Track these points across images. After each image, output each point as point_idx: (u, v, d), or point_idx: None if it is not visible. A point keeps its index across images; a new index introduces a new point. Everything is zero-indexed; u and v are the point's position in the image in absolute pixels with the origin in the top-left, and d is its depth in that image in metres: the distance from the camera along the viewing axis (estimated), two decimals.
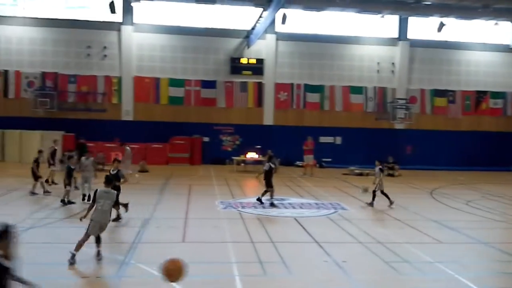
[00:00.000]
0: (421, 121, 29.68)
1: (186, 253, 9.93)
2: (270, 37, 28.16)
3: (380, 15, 26.80)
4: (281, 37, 28.46)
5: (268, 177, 15.18)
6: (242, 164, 25.70)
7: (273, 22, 25.96)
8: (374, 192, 15.50)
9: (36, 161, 15.90)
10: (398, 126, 29.60)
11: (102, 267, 8.89)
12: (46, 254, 9.72)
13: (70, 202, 14.33)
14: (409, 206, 15.92)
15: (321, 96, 29.04)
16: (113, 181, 10.23)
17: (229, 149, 28.14)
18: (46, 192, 15.85)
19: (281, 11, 23.05)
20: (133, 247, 10.08)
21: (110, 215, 9.55)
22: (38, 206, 14.18)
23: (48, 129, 25.82)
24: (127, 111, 27.60)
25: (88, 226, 9.18)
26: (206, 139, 28.08)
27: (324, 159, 27.89)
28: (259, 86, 28.57)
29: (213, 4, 26.18)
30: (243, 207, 15.07)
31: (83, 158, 16.28)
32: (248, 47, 28.13)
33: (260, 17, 24.70)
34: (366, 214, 14.59)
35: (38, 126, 25.90)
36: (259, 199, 15.27)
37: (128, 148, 21.63)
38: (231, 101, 28.41)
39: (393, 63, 29.59)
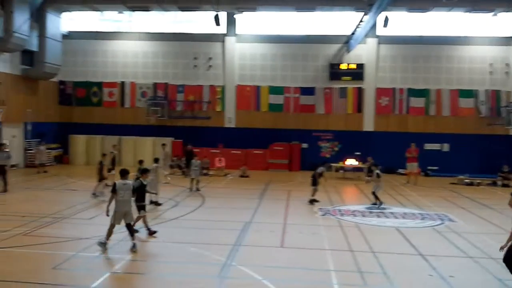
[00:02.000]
0: None
1: (285, 258, 10.13)
2: (371, 41, 27.53)
3: (493, 13, 24.85)
4: (383, 40, 27.68)
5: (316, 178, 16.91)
6: (341, 171, 25.34)
7: (374, 25, 25.35)
8: (373, 193, 16.37)
9: (101, 163, 17.18)
10: None
11: (204, 267, 9.36)
12: (157, 252, 10.49)
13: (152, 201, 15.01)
14: None
15: (426, 100, 27.64)
16: (128, 172, 10.69)
17: (328, 155, 27.90)
18: (94, 194, 16.64)
19: (383, 14, 22.44)
20: (234, 249, 10.47)
21: (131, 204, 10.43)
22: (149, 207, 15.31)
23: (158, 136, 27.91)
24: (230, 118, 28.73)
25: (113, 217, 10.12)
26: (304, 145, 28.18)
27: (429, 167, 26.46)
28: (359, 92, 28.03)
29: (313, 11, 26.29)
30: (342, 214, 14.91)
31: (193, 160, 18.44)
32: (348, 52, 27.78)
33: (361, 21, 24.25)
34: (477, 227, 13.58)
35: (150, 133, 28.12)
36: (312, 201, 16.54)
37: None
38: (330, 107, 28.22)
39: (507, 64, 27.21)
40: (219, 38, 28.46)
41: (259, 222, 13.40)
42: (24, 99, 25.90)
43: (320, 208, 15.75)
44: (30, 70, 25.99)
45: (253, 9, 26.07)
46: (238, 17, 28.02)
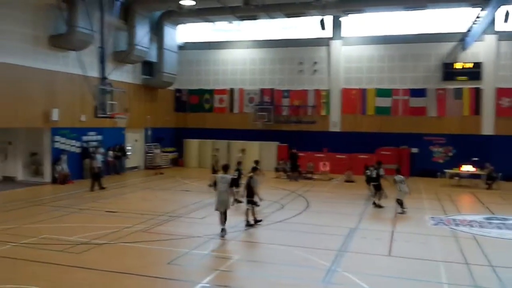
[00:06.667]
0: None
1: (393, 267, 9.80)
2: (490, 38, 25.42)
3: None
4: (503, 36, 25.40)
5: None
6: (456, 178, 23.69)
7: (493, 21, 23.41)
8: (397, 200, 15.68)
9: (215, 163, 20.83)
10: None
11: (309, 271, 9.41)
12: (262, 253, 10.80)
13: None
14: None
15: None
16: (229, 168, 12.59)
17: (441, 161, 26.30)
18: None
19: (503, 8, 20.63)
20: (339, 255, 10.39)
21: (228, 195, 11.99)
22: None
23: (265, 140, 28.63)
24: (335, 122, 28.46)
25: (215, 205, 11.95)
26: (414, 150, 26.84)
27: None
28: (476, 92, 26.00)
29: (424, 9, 25.02)
30: (456, 224, 13.97)
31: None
32: (464, 51, 25.93)
33: (478, 17, 22.55)
34: None
35: (256, 137, 28.96)
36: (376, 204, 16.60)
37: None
38: (443, 110, 26.57)
39: None
40: (324, 42, 28.38)
41: (365, 229, 13.12)
42: (144, 107, 28.27)
43: (432, 217, 14.93)
44: (150, 79, 28.34)
45: (360, 11, 25.52)
46: (343, 20, 27.71)
